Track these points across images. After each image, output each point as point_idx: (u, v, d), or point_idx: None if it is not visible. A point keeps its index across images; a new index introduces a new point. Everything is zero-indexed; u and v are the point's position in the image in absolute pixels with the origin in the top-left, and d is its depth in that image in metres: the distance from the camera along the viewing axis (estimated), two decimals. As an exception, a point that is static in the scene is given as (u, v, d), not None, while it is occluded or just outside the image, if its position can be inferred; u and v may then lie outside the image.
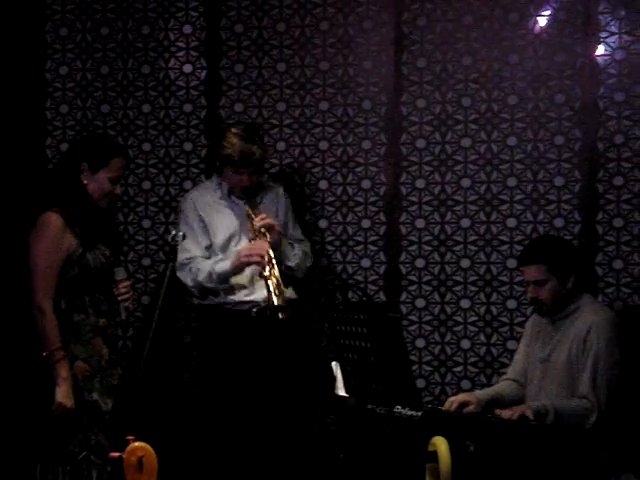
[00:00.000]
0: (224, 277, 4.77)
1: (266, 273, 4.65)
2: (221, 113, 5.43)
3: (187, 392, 5.29)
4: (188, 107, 5.46)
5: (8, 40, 5.41)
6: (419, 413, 3.86)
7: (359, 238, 5.33)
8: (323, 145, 5.35)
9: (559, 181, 5.13)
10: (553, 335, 4.41)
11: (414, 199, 5.27)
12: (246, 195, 4.86)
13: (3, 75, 5.40)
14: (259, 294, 4.78)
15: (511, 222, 5.17)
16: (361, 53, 5.31)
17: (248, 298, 4.80)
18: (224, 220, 4.88)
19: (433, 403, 4.93)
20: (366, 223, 5.32)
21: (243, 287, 4.82)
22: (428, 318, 5.25)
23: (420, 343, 5.25)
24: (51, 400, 4.05)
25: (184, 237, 4.26)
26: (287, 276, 4.80)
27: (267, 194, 4.97)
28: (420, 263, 5.26)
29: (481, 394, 4.45)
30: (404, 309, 5.27)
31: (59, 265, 4.12)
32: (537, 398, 4.34)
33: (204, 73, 5.45)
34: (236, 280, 4.79)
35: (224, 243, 4.86)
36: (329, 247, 5.35)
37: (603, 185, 5.09)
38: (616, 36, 5.07)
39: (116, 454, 3.08)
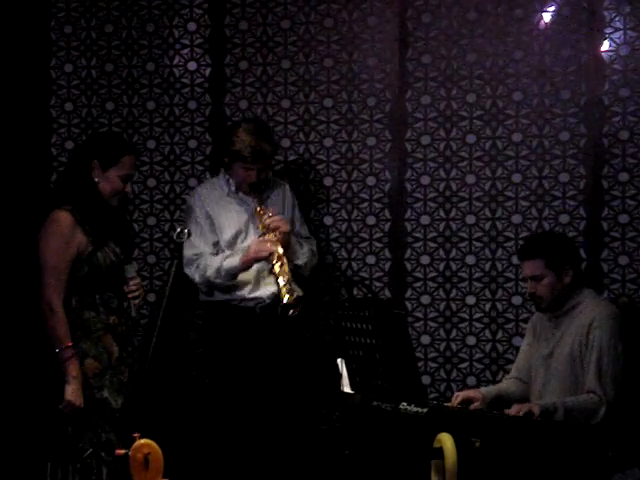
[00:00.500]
0: (233, 273, 4.77)
1: (276, 270, 4.65)
2: (226, 110, 5.43)
3: (193, 389, 5.29)
4: (193, 104, 5.46)
5: (13, 38, 5.41)
6: (425, 410, 3.86)
7: (364, 235, 5.33)
8: (328, 142, 5.35)
9: (564, 177, 5.13)
10: (555, 332, 4.41)
11: (419, 196, 5.27)
12: (253, 192, 4.85)
13: (8, 73, 5.40)
14: (264, 291, 4.79)
15: (516, 218, 5.17)
16: (366, 50, 5.30)
17: (253, 295, 4.80)
18: (231, 217, 4.88)
19: (439, 400, 4.94)
20: (371, 220, 5.31)
21: (248, 283, 4.82)
22: (433, 315, 5.25)
23: (425, 340, 5.25)
24: (61, 398, 4.06)
25: (189, 234, 4.26)
26: (294, 274, 4.80)
27: (273, 191, 4.98)
28: (425, 260, 5.26)
29: (486, 391, 4.46)
30: (409, 306, 5.27)
31: (69, 263, 4.13)
32: (541, 395, 4.34)
33: (208, 70, 5.45)
34: (242, 277, 4.79)
35: (231, 240, 4.86)
36: (334, 244, 5.35)
37: (608, 181, 5.08)
38: (621, 32, 5.06)
39: (122, 451, 3.08)
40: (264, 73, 5.40)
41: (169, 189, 5.47)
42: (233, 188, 4.91)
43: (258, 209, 4.81)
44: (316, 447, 4.94)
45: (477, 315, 5.21)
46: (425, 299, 5.26)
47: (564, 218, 5.12)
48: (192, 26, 5.45)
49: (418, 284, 5.27)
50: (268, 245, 4.70)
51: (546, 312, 4.44)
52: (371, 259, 5.32)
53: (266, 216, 4.76)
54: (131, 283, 4.27)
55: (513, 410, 4.07)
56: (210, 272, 4.79)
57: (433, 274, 5.26)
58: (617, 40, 5.06)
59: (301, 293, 4.85)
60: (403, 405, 3.92)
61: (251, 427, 4.74)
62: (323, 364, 5.20)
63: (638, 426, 4.46)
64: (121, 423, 4.13)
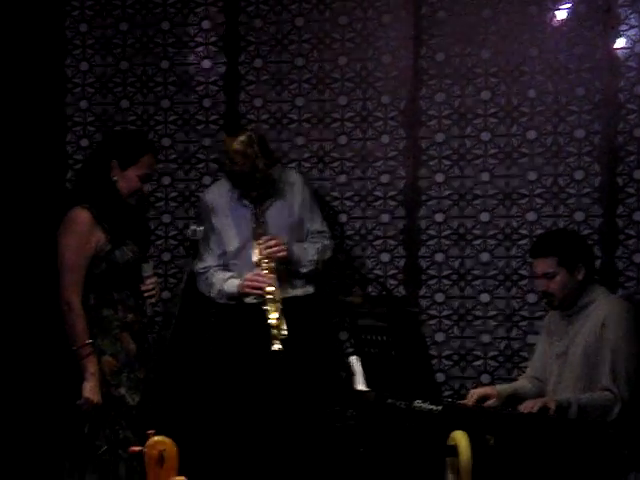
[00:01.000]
0: (232, 297, 4.83)
1: (268, 307, 4.66)
2: (240, 108, 5.43)
3: (207, 387, 5.29)
4: (207, 102, 5.46)
5: (28, 36, 5.43)
6: (439, 407, 3.86)
7: (378, 232, 5.32)
8: (342, 139, 5.35)
9: (579, 174, 5.12)
10: (569, 330, 4.40)
11: (433, 193, 5.26)
12: (254, 201, 4.84)
13: (23, 71, 5.42)
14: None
15: (531, 216, 5.16)
16: (380, 47, 5.30)
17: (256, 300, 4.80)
18: (236, 227, 4.87)
19: (453, 397, 4.93)
20: (385, 217, 5.31)
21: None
22: (448, 312, 5.25)
23: (440, 337, 5.25)
24: (79, 395, 4.07)
25: (204, 232, 4.27)
26: (306, 273, 4.87)
27: (277, 200, 4.91)
28: (439, 257, 5.26)
29: (502, 388, 4.46)
30: (424, 303, 5.26)
31: (87, 260, 4.14)
32: (556, 393, 4.33)
33: (223, 68, 5.46)
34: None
35: (237, 250, 4.87)
36: (348, 241, 5.35)
37: (623, 178, 5.07)
38: (636, 29, 5.04)
39: (137, 448, 3.09)
40: (278, 71, 5.40)
41: (184, 187, 5.48)
42: (237, 195, 4.89)
43: (257, 228, 4.80)
44: (330, 445, 4.95)
45: (491, 313, 5.20)
46: (439, 297, 5.26)
47: (579, 216, 5.11)
48: (207, 24, 5.46)
49: (432, 282, 5.27)
50: (260, 281, 4.70)
51: (559, 310, 4.43)
52: (385, 257, 5.31)
53: (262, 246, 4.75)
54: (148, 282, 4.28)
55: (526, 406, 4.06)
56: (214, 293, 4.88)
57: (447, 272, 5.25)
58: (632, 37, 5.04)
59: (311, 291, 4.90)
60: (417, 403, 3.92)
61: (265, 424, 4.74)
62: (337, 361, 5.21)
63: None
64: (138, 420, 4.15)
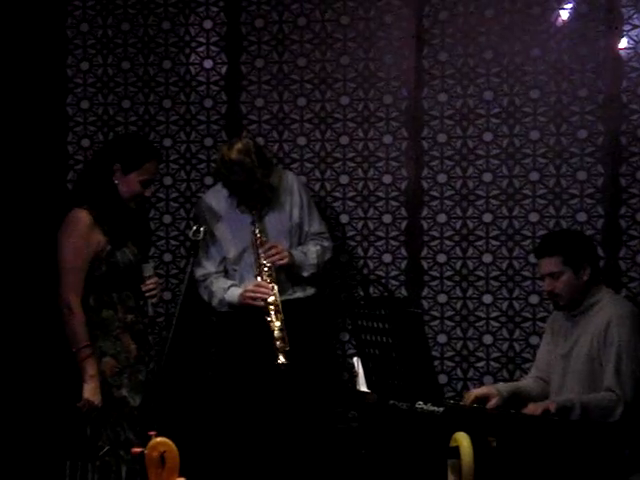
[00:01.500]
0: (233, 306, 4.80)
1: (271, 318, 4.64)
2: (242, 108, 5.42)
3: (209, 388, 5.29)
4: (209, 102, 5.45)
5: (29, 36, 5.42)
6: (441, 409, 3.85)
7: (380, 233, 5.31)
8: (344, 140, 5.34)
9: (582, 175, 5.10)
10: (573, 330, 4.38)
11: (436, 194, 5.25)
12: (252, 207, 4.81)
13: (25, 71, 5.42)
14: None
15: (533, 217, 5.15)
16: (382, 47, 5.29)
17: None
18: (235, 234, 4.85)
19: (455, 399, 4.92)
20: (387, 218, 5.30)
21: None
22: (450, 313, 5.24)
23: (442, 338, 5.23)
24: (79, 397, 4.07)
25: (205, 232, 4.24)
26: (309, 276, 4.87)
27: (275, 205, 4.88)
28: (442, 258, 5.24)
29: (503, 387, 4.43)
30: (426, 304, 5.25)
31: (87, 262, 4.13)
32: (559, 394, 4.32)
33: (225, 68, 5.45)
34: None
35: (236, 257, 4.85)
36: (350, 242, 5.34)
37: (626, 179, 5.06)
38: (639, 29, 5.03)
39: (138, 450, 3.07)
40: (280, 71, 5.39)
41: (185, 187, 5.47)
42: (235, 202, 4.87)
43: (256, 239, 4.78)
44: (332, 446, 4.94)
45: (494, 314, 5.19)
46: (442, 298, 5.24)
47: (582, 216, 5.09)
48: (208, 24, 5.45)
49: (435, 283, 5.25)
50: (262, 292, 4.68)
51: (564, 310, 4.41)
52: (387, 257, 5.30)
53: (263, 250, 4.74)
54: (148, 282, 4.27)
55: (529, 409, 4.05)
56: (215, 302, 4.85)
57: (450, 272, 5.24)
58: (635, 37, 5.03)
59: (313, 293, 4.88)
60: (419, 404, 3.90)
61: (266, 426, 4.73)
62: (339, 363, 5.20)
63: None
64: (139, 421, 4.14)
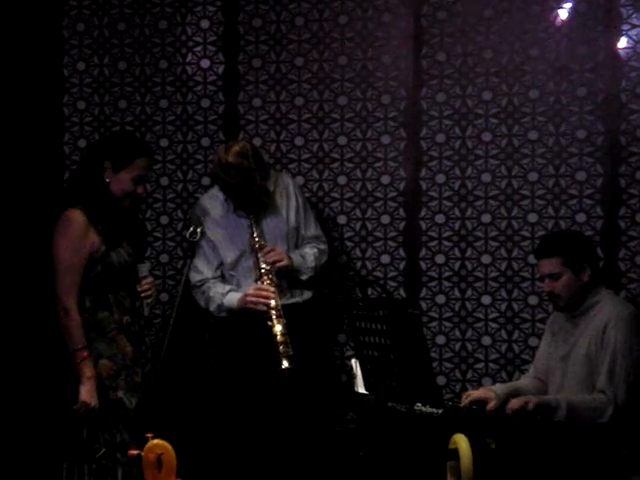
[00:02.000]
0: (232, 311, 4.77)
1: (273, 323, 4.61)
2: (239, 108, 5.41)
3: (206, 390, 5.27)
4: (206, 102, 5.44)
5: (25, 36, 5.42)
6: (440, 410, 3.84)
7: (378, 234, 5.30)
8: (342, 140, 5.32)
9: (581, 175, 5.09)
10: (573, 332, 4.37)
11: (434, 194, 5.24)
12: (250, 212, 4.79)
13: (21, 71, 5.41)
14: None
15: (532, 217, 5.13)
16: (380, 47, 5.27)
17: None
18: (231, 239, 4.82)
19: (454, 400, 4.90)
20: (385, 219, 5.28)
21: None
22: (448, 315, 5.22)
23: (440, 340, 5.22)
24: (75, 399, 4.05)
25: (203, 233, 4.22)
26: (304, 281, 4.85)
27: (272, 209, 4.85)
28: (440, 259, 5.23)
29: (500, 389, 4.41)
30: (424, 305, 5.24)
31: (83, 262, 4.11)
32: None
33: (222, 68, 5.43)
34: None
35: (234, 262, 4.83)
36: (348, 243, 5.32)
37: (625, 179, 5.04)
38: (638, 29, 5.03)
39: (135, 452, 3.06)
40: (278, 71, 5.37)
41: (182, 188, 5.46)
42: (232, 207, 4.84)
43: (256, 243, 4.75)
44: (330, 448, 4.92)
45: (493, 315, 5.18)
46: (440, 299, 5.23)
47: (581, 217, 5.08)
48: (205, 23, 5.43)
49: (433, 284, 5.24)
50: (263, 295, 4.65)
51: (564, 311, 4.40)
52: (386, 258, 5.28)
53: (262, 253, 4.71)
54: (144, 282, 4.26)
55: (509, 405, 4.03)
56: (213, 307, 4.82)
57: (448, 273, 5.22)
58: (634, 37, 5.02)
59: (311, 295, 4.86)
60: (418, 406, 3.89)
61: (264, 428, 4.71)
62: (336, 364, 5.18)
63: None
64: (136, 423, 4.12)
